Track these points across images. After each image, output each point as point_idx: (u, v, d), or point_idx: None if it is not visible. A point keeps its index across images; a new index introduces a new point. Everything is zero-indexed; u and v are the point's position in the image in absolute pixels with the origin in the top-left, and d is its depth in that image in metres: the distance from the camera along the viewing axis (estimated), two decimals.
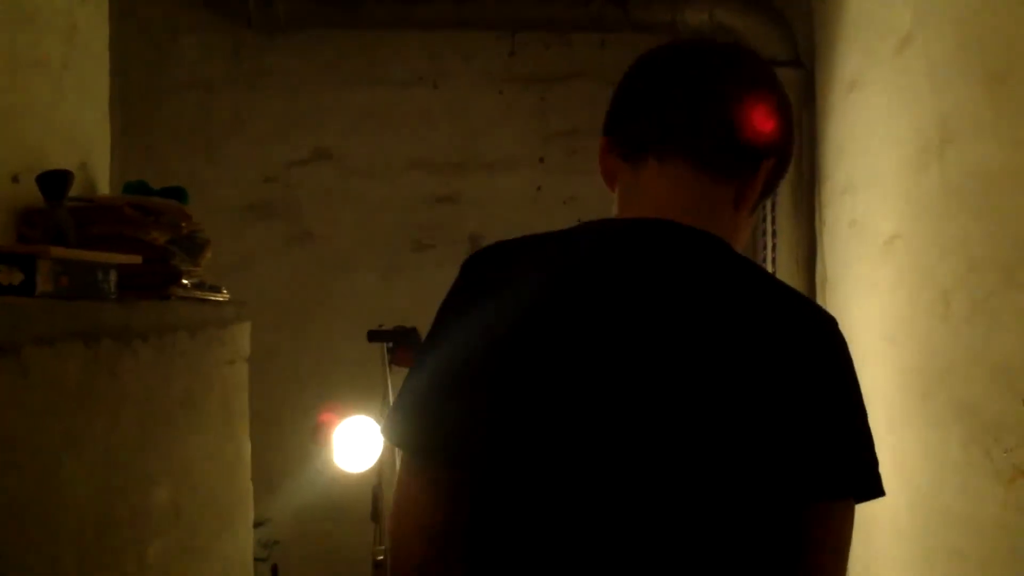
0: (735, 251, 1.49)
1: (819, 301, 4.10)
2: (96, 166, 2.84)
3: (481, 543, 1.47)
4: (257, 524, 3.63)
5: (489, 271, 1.53)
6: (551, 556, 1.41)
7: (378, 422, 3.59)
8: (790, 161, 1.62)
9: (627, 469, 1.37)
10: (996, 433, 2.50)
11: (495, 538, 1.46)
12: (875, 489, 1.40)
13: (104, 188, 2.90)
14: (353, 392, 3.75)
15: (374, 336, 3.80)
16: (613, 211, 1.65)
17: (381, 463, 3.66)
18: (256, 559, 3.71)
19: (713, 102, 1.52)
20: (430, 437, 1.47)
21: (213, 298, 2.83)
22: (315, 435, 3.59)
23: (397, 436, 1.51)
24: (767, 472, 1.35)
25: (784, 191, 4.37)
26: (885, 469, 1.43)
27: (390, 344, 3.78)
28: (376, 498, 3.77)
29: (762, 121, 1.53)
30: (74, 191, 2.28)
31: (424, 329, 3.84)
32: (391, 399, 3.72)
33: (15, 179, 2.33)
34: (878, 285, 3.40)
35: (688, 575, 1.37)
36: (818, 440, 1.36)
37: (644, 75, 1.60)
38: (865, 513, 1.45)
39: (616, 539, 1.38)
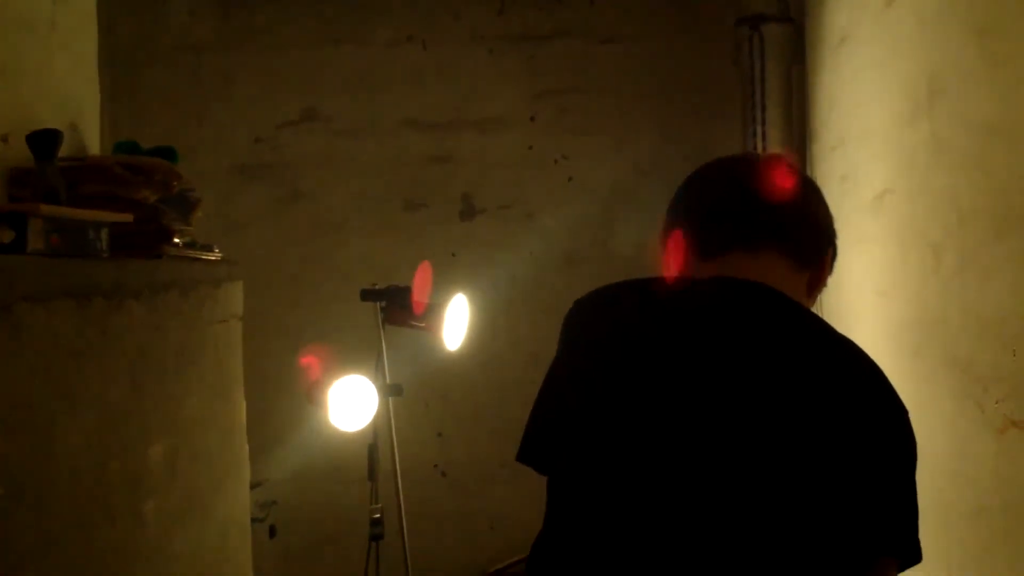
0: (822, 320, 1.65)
1: None
2: (86, 127, 2.83)
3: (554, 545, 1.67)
4: (254, 485, 3.65)
5: (588, 319, 1.74)
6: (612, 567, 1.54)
7: (373, 381, 3.60)
8: (836, 253, 1.83)
9: (687, 501, 1.48)
10: (987, 384, 2.51)
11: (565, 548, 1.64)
12: (917, 556, 1.49)
13: (94, 150, 2.90)
14: (347, 351, 3.75)
15: (367, 295, 3.80)
16: None
17: (376, 422, 3.67)
18: (253, 519, 3.73)
19: (789, 202, 1.74)
20: (534, 451, 1.73)
21: (205, 257, 2.83)
22: (310, 394, 3.60)
23: (520, 454, 1.76)
24: (827, 522, 1.44)
25: (774, 148, 4.36)
26: None
27: (383, 303, 3.78)
28: (372, 456, 3.78)
29: (826, 216, 1.80)
30: (64, 153, 2.27)
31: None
32: (385, 358, 3.73)
33: (4, 139, 2.32)
34: (869, 240, 3.40)
35: None
36: (882, 501, 1.46)
37: (711, 188, 1.80)
38: None
39: (671, 564, 1.48)
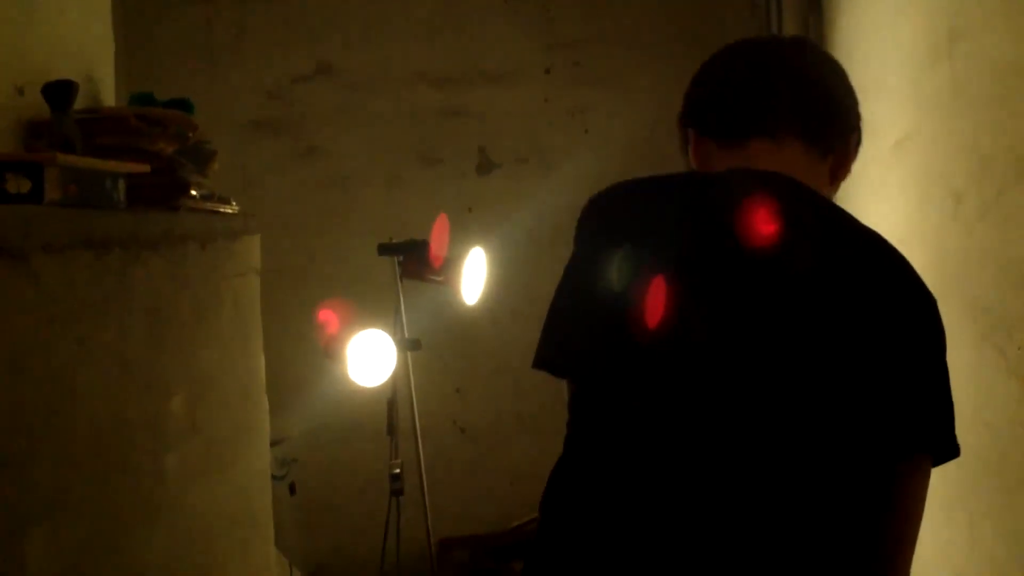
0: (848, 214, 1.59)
1: None
2: (101, 79, 2.82)
3: (577, 451, 1.64)
4: (274, 443, 3.64)
5: (609, 213, 1.70)
6: (633, 480, 1.51)
7: (391, 336, 3.59)
8: (861, 139, 1.78)
9: (717, 401, 1.46)
10: (1010, 330, 2.50)
11: (588, 452, 1.62)
12: (953, 450, 1.48)
13: (109, 102, 2.89)
14: (365, 306, 3.74)
15: (384, 250, 3.79)
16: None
17: (395, 377, 3.67)
18: (274, 477, 3.73)
19: (813, 85, 1.69)
20: (550, 353, 1.65)
21: (223, 210, 2.82)
22: (328, 349, 3.59)
23: (536, 360, 1.67)
24: (856, 419, 1.42)
25: None
26: None
27: (400, 257, 3.77)
28: (391, 412, 3.78)
29: (849, 98, 1.74)
30: (80, 105, 2.26)
31: None
32: (403, 312, 3.72)
33: (20, 91, 2.31)
34: (889, 187, 3.38)
35: (761, 511, 1.44)
36: (912, 395, 1.44)
37: (733, 69, 1.75)
38: None
39: (698, 468, 1.46)
